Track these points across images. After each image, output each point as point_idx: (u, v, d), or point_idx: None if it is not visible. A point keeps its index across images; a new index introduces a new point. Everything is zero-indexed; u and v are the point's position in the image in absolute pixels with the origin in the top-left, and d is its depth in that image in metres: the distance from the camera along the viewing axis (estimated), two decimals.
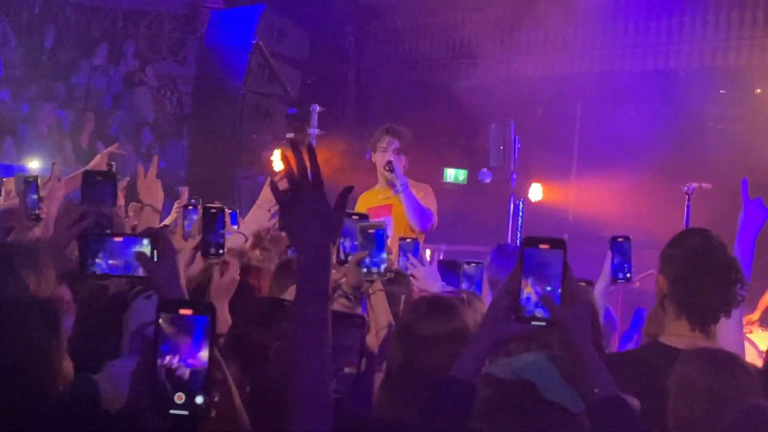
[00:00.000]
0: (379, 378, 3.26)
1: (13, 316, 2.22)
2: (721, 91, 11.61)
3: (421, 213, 5.95)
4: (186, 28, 15.32)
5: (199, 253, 3.81)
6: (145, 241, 2.56)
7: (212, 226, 3.81)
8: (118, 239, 2.68)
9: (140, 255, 2.40)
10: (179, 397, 1.90)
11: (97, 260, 2.67)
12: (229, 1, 13.86)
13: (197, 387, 1.91)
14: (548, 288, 2.23)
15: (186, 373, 1.91)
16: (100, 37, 14.98)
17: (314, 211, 2.17)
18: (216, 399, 1.94)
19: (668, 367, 3.04)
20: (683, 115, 11.41)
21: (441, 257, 11.00)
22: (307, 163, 2.19)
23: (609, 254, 3.94)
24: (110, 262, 2.65)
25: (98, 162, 5.24)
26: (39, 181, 4.41)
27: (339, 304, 3.56)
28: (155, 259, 2.46)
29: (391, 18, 13.98)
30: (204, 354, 1.92)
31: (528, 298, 2.23)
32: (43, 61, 14.44)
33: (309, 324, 2.11)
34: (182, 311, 1.93)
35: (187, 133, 13.65)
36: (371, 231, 3.64)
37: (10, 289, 2.60)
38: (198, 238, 3.84)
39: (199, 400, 1.91)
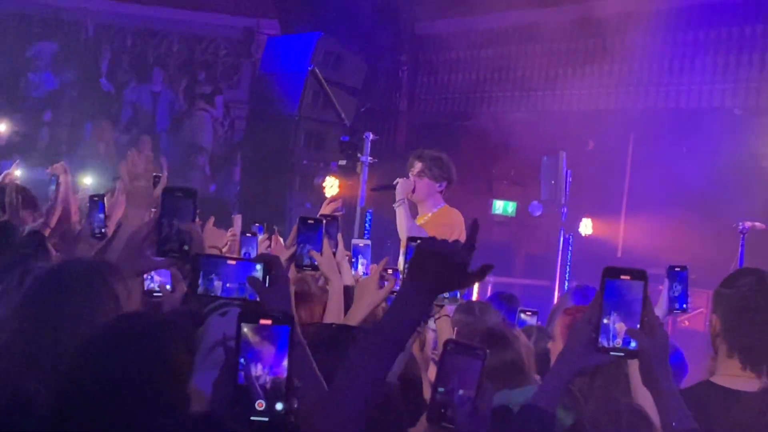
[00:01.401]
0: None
1: (151, 332, 2.24)
2: None
3: (410, 231, 5.96)
4: (241, 53, 15.53)
5: (293, 265, 3.85)
6: (259, 267, 2.59)
7: (309, 238, 3.82)
8: (231, 262, 2.69)
9: (253, 280, 2.44)
10: (259, 405, 1.96)
11: (209, 281, 2.68)
12: (286, 28, 14.04)
13: (277, 394, 1.97)
14: (628, 319, 2.24)
15: (267, 381, 1.97)
16: (155, 61, 15.19)
17: (447, 261, 2.17)
18: (296, 406, 1.99)
19: (721, 407, 3.02)
20: (737, 154, 11.30)
21: (489, 290, 11.02)
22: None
23: (666, 283, 3.92)
24: (226, 285, 2.66)
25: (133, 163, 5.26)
26: (105, 200, 4.49)
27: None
28: (267, 285, 2.51)
29: (444, 48, 14.04)
30: (284, 362, 1.98)
31: (608, 329, 2.24)
32: (99, 83, 14.68)
33: (369, 365, 2.14)
34: (263, 321, 1.99)
35: (239, 158, 13.78)
36: None
37: (107, 305, 2.62)
38: (293, 249, 3.87)
39: (279, 407, 1.97)
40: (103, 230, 4.41)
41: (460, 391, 2.26)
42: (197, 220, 3.05)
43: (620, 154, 12.45)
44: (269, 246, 5.62)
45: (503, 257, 12.12)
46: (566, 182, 11.32)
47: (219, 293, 2.67)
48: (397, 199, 6.26)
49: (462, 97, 13.92)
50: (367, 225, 9.97)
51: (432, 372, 3.81)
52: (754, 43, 10.91)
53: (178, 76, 15.29)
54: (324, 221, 3.88)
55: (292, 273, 4.05)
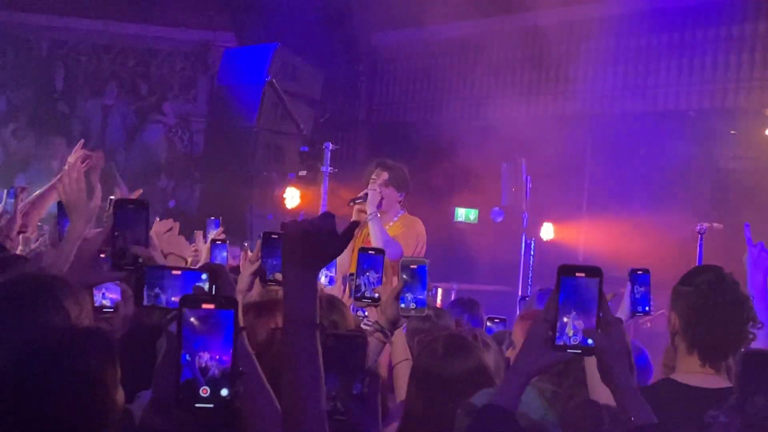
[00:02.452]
0: (393, 428, 3.27)
1: (71, 346, 2.20)
2: (732, 132, 11.63)
3: (386, 243, 5.97)
4: (197, 66, 15.47)
5: (257, 279, 3.82)
6: (204, 276, 2.56)
7: (272, 252, 3.80)
8: (176, 273, 2.68)
9: (198, 289, 2.42)
10: (204, 391, 1.92)
11: (154, 293, 2.67)
12: (242, 40, 14.00)
13: (222, 380, 1.93)
14: (585, 316, 2.25)
15: (210, 366, 1.93)
16: (110, 76, 15.10)
17: (313, 234, 2.17)
18: (242, 391, 1.96)
19: (682, 404, 3.04)
20: (693, 155, 11.43)
21: (453, 296, 11.03)
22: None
23: (628, 286, 3.94)
24: (172, 298, 2.64)
25: (70, 170, 5.23)
26: None
27: (375, 338, 3.55)
28: (213, 294, 2.47)
29: (402, 57, 14.08)
30: (228, 348, 1.94)
31: (565, 327, 2.24)
32: (53, 99, 14.57)
33: (298, 357, 2.12)
34: (205, 306, 1.95)
35: (198, 171, 13.71)
36: (414, 267, 3.59)
37: (56, 321, 2.59)
38: (257, 263, 3.84)
39: (224, 392, 1.93)
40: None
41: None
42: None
43: (579, 159, 12.54)
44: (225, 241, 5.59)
45: (467, 264, 12.15)
46: (526, 188, 11.39)
47: (165, 305, 2.64)
48: (369, 212, 6.26)
49: (420, 105, 13.96)
50: None
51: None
52: (706, 47, 11.04)
53: (132, 90, 15.22)
54: None
55: (257, 287, 4.04)
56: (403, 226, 6.46)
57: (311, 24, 12.79)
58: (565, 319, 2.25)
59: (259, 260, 3.86)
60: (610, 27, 11.78)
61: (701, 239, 8.25)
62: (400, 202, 6.57)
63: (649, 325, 9.78)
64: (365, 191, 6.35)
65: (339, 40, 13.36)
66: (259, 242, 3.91)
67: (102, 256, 2.94)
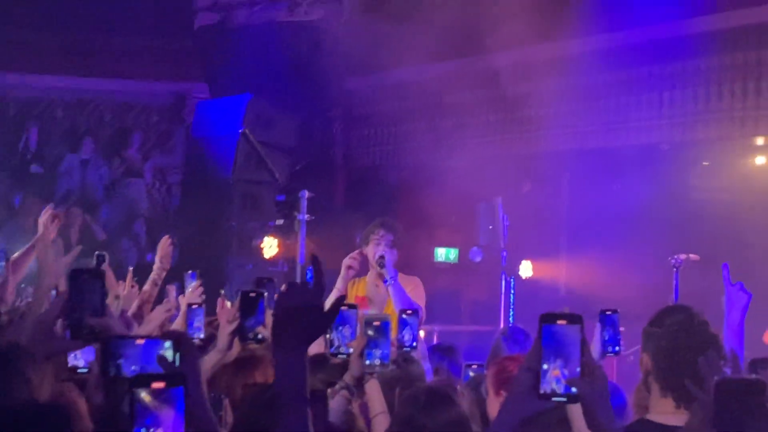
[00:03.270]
0: None
1: (25, 424, 2.20)
2: (704, 163, 11.75)
3: (410, 307, 6.00)
4: (173, 118, 15.51)
5: (236, 339, 3.82)
6: (167, 344, 2.56)
7: (251, 310, 3.80)
8: (139, 342, 2.68)
9: (161, 358, 2.42)
10: None
11: (117, 364, 2.66)
12: (215, 91, 14.05)
13: None
14: (568, 363, 2.27)
15: None
16: (86, 131, 15.12)
17: (307, 318, 2.22)
18: None
19: None
20: (668, 188, 11.52)
21: (435, 339, 11.02)
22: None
23: (598, 327, 3.96)
24: (133, 367, 2.64)
25: (45, 225, 5.23)
26: None
27: (341, 396, 3.57)
28: (177, 363, 2.48)
29: (377, 101, 14.15)
30: (180, 425, 1.95)
31: (548, 374, 2.26)
32: (27, 158, 14.56)
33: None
34: (154, 385, 1.96)
35: (176, 223, 13.69)
36: (378, 323, 3.65)
37: (16, 392, 2.58)
38: (235, 323, 3.85)
39: None
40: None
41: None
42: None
43: (556, 196, 12.62)
44: (203, 293, 5.60)
45: (448, 304, 12.15)
46: (504, 226, 11.43)
47: (129, 374, 2.63)
48: (390, 276, 6.28)
49: (395, 148, 14.02)
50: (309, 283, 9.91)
51: None
52: (676, 80, 11.17)
53: (109, 145, 15.23)
54: (265, 294, 3.89)
55: (236, 346, 4.04)
56: (412, 286, 6.50)
57: (284, 72, 12.87)
58: (547, 367, 2.27)
59: (237, 319, 3.87)
60: (576, 66, 11.92)
61: (677, 272, 8.31)
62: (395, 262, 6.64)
63: (632, 358, 9.81)
64: (380, 254, 6.36)
65: (312, 87, 13.44)
66: (237, 301, 3.93)
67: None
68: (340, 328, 3.83)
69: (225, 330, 3.96)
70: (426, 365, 5.09)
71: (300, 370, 2.21)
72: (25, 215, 13.37)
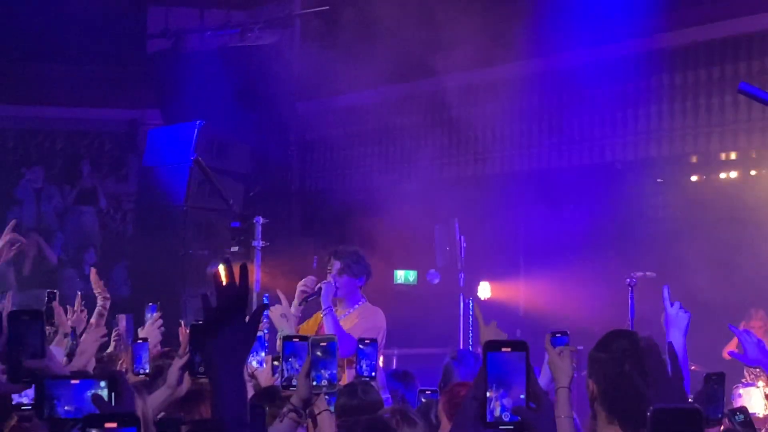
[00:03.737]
0: None
1: None
2: (658, 180, 11.83)
3: (340, 338, 5.95)
4: (126, 146, 15.39)
5: (186, 373, 3.76)
6: (102, 383, 2.51)
7: (201, 344, 3.74)
8: (75, 381, 2.63)
9: (96, 397, 2.35)
10: None
11: (52, 404, 2.61)
12: (168, 118, 13.95)
13: None
14: (513, 391, 2.24)
15: None
16: (39, 159, 14.98)
17: (235, 334, 2.25)
18: None
19: None
20: (623, 206, 11.59)
21: (395, 362, 10.96)
22: (237, 282, 2.32)
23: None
24: (66, 407, 2.59)
25: (2, 245, 5.16)
26: None
27: (289, 419, 3.53)
28: (113, 403, 2.42)
29: (330, 126, 14.13)
30: None
31: (493, 403, 2.24)
32: None
33: None
34: (107, 425, 1.95)
35: (130, 251, 13.56)
36: (324, 344, 3.62)
37: None
38: (185, 357, 3.78)
39: None
40: None
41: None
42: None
43: (512, 217, 12.63)
44: (162, 326, 5.53)
45: (407, 327, 12.08)
46: (461, 248, 11.42)
47: (63, 415, 2.59)
48: (324, 307, 6.20)
49: (351, 171, 14.00)
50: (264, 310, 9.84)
51: None
52: (627, 99, 11.26)
53: (61, 173, 15.09)
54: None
55: (186, 381, 3.97)
56: (361, 318, 6.41)
57: (236, 97, 12.81)
58: (491, 395, 2.24)
59: (188, 353, 3.81)
60: (526, 87, 12.00)
61: (632, 291, 8.33)
62: (360, 287, 6.55)
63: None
64: (319, 285, 6.29)
65: (265, 112, 13.40)
66: (186, 335, 3.87)
67: None
68: (291, 359, 3.78)
69: (175, 365, 3.89)
70: (385, 394, 5.05)
71: (236, 390, 2.24)
72: None
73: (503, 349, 2.25)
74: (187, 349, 3.86)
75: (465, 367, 5.62)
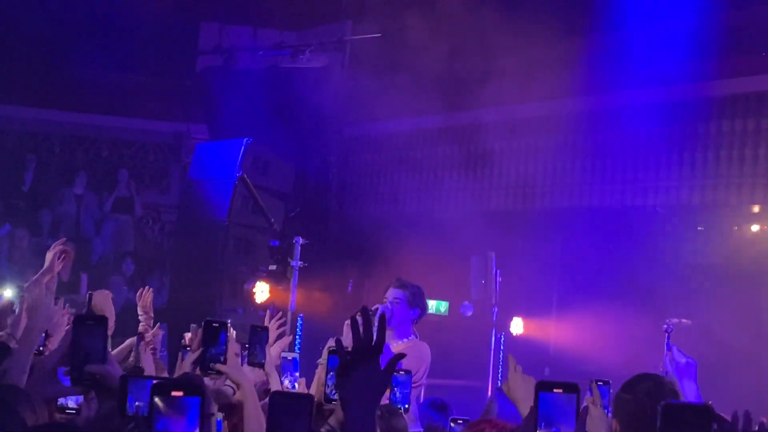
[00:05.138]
0: None
1: None
2: (699, 228, 11.77)
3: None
4: (170, 157, 15.54)
5: (198, 369, 3.81)
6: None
7: (213, 341, 3.79)
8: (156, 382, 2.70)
9: None
10: None
11: (136, 405, 2.72)
12: (214, 133, 14.09)
13: None
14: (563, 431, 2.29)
15: None
16: (82, 166, 15.16)
17: (369, 379, 2.36)
18: None
19: None
20: (662, 251, 11.53)
21: (422, 394, 10.93)
22: (374, 331, 2.41)
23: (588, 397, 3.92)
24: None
25: (52, 258, 5.24)
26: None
27: None
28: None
29: (373, 152, 14.20)
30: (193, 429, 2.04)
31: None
32: (23, 191, 14.56)
33: None
34: (174, 393, 2.06)
35: (168, 262, 13.67)
36: None
37: (11, 428, 2.61)
38: (198, 352, 3.83)
39: None
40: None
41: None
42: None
43: (550, 254, 12.61)
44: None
45: (437, 358, 12.06)
46: (496, 282, 11.41)
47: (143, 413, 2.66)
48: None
49: (391, 198, 14.04)
50: (298, 330, 9.90)
51: None
52: (673, 145, 11.23)
53: (102, 181, 15.26)
54: (228, 324, 3.88)
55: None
56: (410, 349, 6.40)
57: (283, 117, 12.91)
58: None
59: (200, 349, 3.86)
60: (571, 124, 12.00)
61: (668, 338, 8.27)
62: (413, 321, 6.58)
63: None
64: (376, 306, 6.33)
65: (310, 134, 13.48)
66: (200, 331, 3.91)
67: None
68: (334, 373, 3.83)
69: (188, 360, 3.94)
70: (417, 428, 5.06)
71: (366, 429, 2.33)
72: (11, 246, 13.36)
73: (555, 390, 2.29)
74: (200, 346, 3.90)
75: (506, 400, 5.61)
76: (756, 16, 10.44)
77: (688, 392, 3.94)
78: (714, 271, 11.32)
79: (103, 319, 2.97)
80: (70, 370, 2.88)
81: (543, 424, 2.30)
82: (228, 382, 4.14)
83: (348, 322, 4.99)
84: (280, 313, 5.76)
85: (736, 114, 10.77)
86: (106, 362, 2.90)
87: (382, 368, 2.38)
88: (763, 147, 10.50)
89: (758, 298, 10.23)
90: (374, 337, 2.40)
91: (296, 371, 5.23)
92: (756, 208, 11.00)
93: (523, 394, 3.59)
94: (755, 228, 11.35)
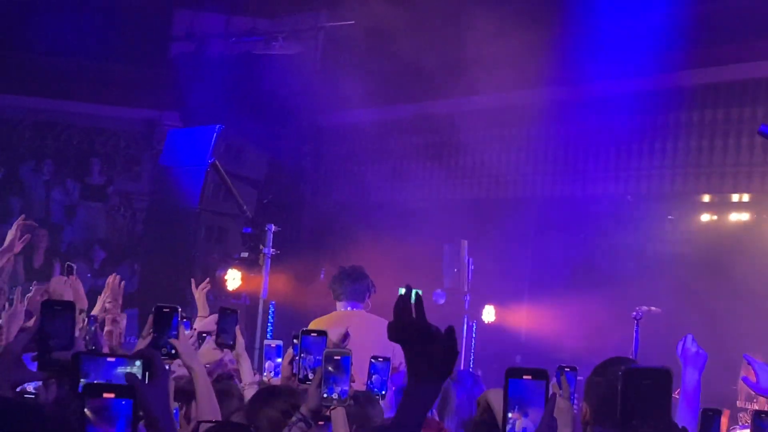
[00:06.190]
0: None
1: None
2: (669, 217, 11.87)
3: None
4: (142, 144, 15.46)
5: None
6: (137, 363, 2.56)
7: (165, 325, 3.80)
8: (111, 359, 2.67)
9: (131, 376, 2.41)
10: None
11: (86, 380, 2.66)
12: (186, 120, 14.02)
13: None
14: (531, 417, 2.31)
15: None
16: (53, 152, 15.07)
17: (440, 358, 2.34)
18: None
19: None
20: (632, 239, 11.62)
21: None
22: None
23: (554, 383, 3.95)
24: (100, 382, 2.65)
25: (13, 238, 5.21)
26: None
27: (297, 428, 3.55)
28: (146, 381, 2.48)
29: (347, 140, 14.19)
30: None
31: (513, 428, 2.31)
32: None
33: None
34: (106, 395, 2.04)
35: (140, 249, 13.62)
36: (337, 357, 3.63)
37: None
38: (148, 338, 3.83)
39: None
40: None
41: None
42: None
43: (522, 242, 12.67)
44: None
45: None
46: (468, 270, 11.45)
47: None
48: None
49: (364, 187, 14.05)
50: (270, 317, 9.89)
51: None
52: (643, 134, 11.30)
53: (74, 168, 15.17)
54: (179, 309, 3.90)
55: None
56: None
57: (256, 104, 12.87)
58: (513, 416, 2.31)
59: (151, 335, 3.86)
60: (543, 114, 12.05)
61: (637, 325, 8.36)
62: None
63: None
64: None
65: (283, 122, 13.45)
66: (151, 316, 3.92)
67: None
68: (305, 356, 3.85)
69: (139, 346, 3.95)
70: (391, 414, 5.07)
71: (429, 403, 2.34)
72: None
73: (524, 377, 2.33)
74: (151, 331, 3.91)
75: (462, 387, 5.67)
76: (724, 6, 10.52)
77: (689, 380, 3.95)
78: (683, 260, 11.43)
79: (71, 305, 2.97)
80: (37, 355, 2.88)
81: (515, 408, 2.34)
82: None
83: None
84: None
85: (706, 104, 10.86)
86: (73, 347, 2.90)
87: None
88: (732, 137, 10.60)
89: (723, 287, 10.34)
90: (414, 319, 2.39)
91: (279, 357, 5.26)
92: (735, 197, 11.09)
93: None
94: (735, 217, 11.45)
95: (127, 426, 2.03)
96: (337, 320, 6.55)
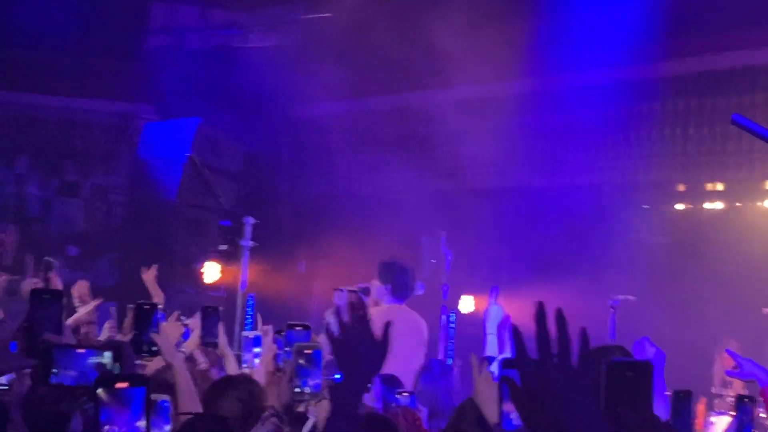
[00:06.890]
0: None
1: None
2: (644, 206, 11.95)
3: None
4: (119, 138, 15.38)
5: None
6: (107, 353, 2.59)
7: (146, 323, 3.81)
8: (81, 351, 2.71)
9: (100, 366, 2.45)
10: None
11: (58, 372, 2.70)
12: (164, 113, 13.97)
13: None
14: None
15: None
16: (27, 146, 14.97)
17: (364, 346, 2.44)
18: None
19: None
20: (607, 228, 11.70)
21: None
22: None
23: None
24: (71, 373, 2.67)
25: None
26: None
27: (270, 423, 3.55)
28: (116, 372, 2.51)
29: (324, 132, 14.19)
30: (141, 423, 2.06)
31: (509, 420, 2.40)
32: None
33: None
34: (118, 385, 2.07)
35: (117, 244, 13.57)
36: (308, 351, 3.62)
37: None
38: (130, 335, 3.85)
39: None
40: None
41: None
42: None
43: (499, 233, 12.72)
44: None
45: None
46: (446, 261, 11.50)
47: (68, 382, 2.66)
48: None
49: (342, 178, 14.05)
50: (249, 310, 9.92)
51: None
52: (618, 124, 11.38)
53: (47, 162, 15.08)
54: (159, 306, 3.92)
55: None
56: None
57: (233, 97, 12.86)
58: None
59: (132, 332, 3.88)
60: (517, 105, 12.10)
61: (614, 313, 8.43)
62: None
63: None
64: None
65: (261, 114, 13.44)
66: (132, 314, 3.93)
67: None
68: (289, 348, 3.89)
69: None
70: (378, 405, 5.13)
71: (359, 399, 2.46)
72: None
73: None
74: (132, 329, 3.92)
75: (429, 375, 5.78)
76: None
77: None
78: (659, 249, 11.52)
79: (59, 293, 3.00)
80: (25, 342, 2.90)
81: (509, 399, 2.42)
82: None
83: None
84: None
85: (680, 94, 10.94)
86: (61, 334, 2.92)
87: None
88: (706, 126, 10.69)
89: (698, 275, 10.44)
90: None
91: (257, 347, 5.30)
92: (712, 186, 11.18)
93: (488, 398, 3.58)
94: (709, 206, 11.53)
95: (142, 412, 2.07)
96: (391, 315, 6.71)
